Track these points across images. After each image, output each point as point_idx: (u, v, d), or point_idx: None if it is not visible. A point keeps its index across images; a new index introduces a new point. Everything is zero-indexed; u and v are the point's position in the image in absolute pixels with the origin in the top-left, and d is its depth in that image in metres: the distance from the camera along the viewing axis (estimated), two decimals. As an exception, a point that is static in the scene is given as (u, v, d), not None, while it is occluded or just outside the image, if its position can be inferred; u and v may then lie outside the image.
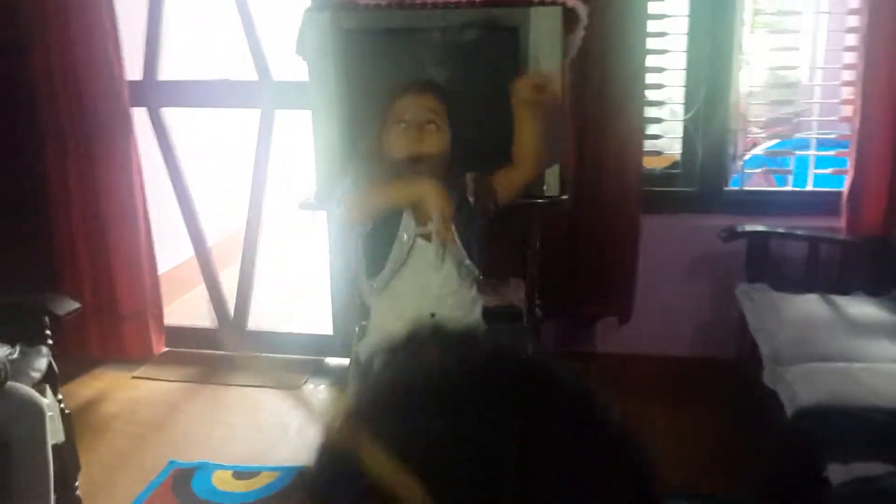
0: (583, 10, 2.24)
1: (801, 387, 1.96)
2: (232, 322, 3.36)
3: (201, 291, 3.54)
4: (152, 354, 3.25)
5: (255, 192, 3.24)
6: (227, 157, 3.95)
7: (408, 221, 1.86)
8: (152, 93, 3.15)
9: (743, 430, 2.44)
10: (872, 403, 1.85)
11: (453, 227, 1.82)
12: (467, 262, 1.88)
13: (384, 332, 1.89)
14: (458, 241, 1.85)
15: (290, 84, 2.99)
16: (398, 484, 0.54)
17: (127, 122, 3.01)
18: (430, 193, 1.75)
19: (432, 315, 1.83)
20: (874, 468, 1.70)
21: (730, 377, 2.65)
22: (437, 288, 1.87)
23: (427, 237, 1.84)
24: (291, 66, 2.77)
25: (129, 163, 3.04)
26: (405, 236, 1.86)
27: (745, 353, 2.49)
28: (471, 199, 1.92)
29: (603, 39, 2.58)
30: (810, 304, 2.47)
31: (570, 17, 2.24)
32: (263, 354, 3.28)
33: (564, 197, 2.34)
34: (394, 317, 1.89)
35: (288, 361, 3.24)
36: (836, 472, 1.72)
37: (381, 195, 1.87)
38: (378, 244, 1.91)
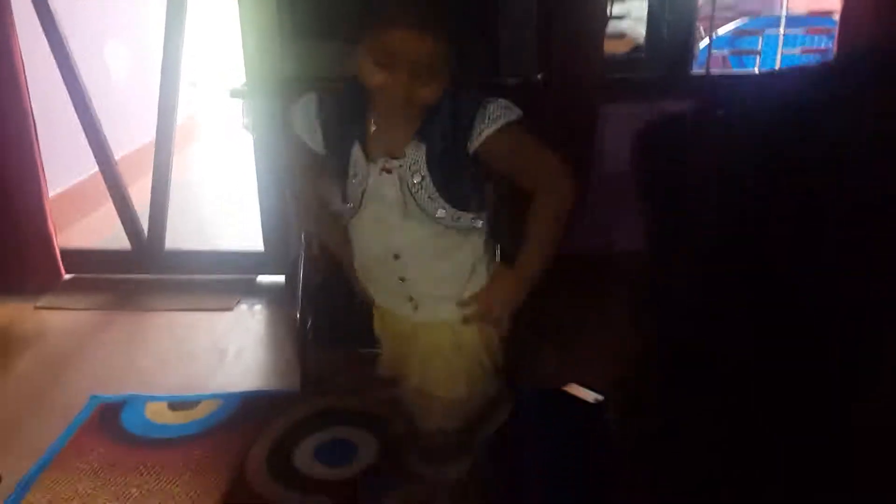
0: None
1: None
2: (146, 242, 2.97)
3: (105, 213, 3.13)
4: (56, 281, 2.84)
5: (166, 88, 2.81)
6: (135, 50, 3.46)
7: (357, 159, 1.35)
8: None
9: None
10: None
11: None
12: (441, 211, 1.35)
13: (358, 264, 1.50)
14: (429, 186, 1.33)
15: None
16: None
17: (4, 8, 2.53)
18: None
19: (395, 257, 1.39)
20: None
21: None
22: (399, 228, 1.37)
23: (387, 170, 1.33)
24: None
25: (8, 62, 2.57)
26: (357, 177, 1.36)
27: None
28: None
29: None
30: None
31: None
32: (185, 277, 2.93)
33: (539, 76, 2.08)
34: (359, 251, 1.47)
35: (214, 282, 2.91)
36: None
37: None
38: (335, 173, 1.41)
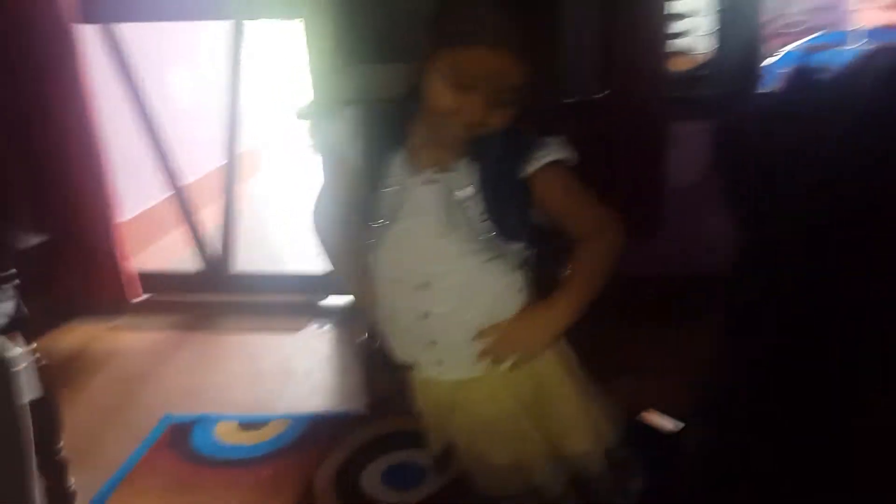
0: None
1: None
2: (217, 266, 3.03)
3: (175, 238, 3.22)
4: (129, 303, 2.92)
5: (231, 118, 2.89)
6: (204, 80, 3.57)
7: (398, 169, 1.26)
8: (103, 5, 2.76)
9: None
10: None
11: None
12: (485, 233, 1.23)
13: (380, 306, 1.34)
14: (479, 203, 1.23)
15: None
16: None
17: (70, 41, 2.63)
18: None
19: (424, 286, 1.26)
20: None
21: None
22: (435, 248, 1.25)
23: (433, 181, 1.24)
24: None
25: (77, 90, 2.66)
26: (394, 187, 1.25)
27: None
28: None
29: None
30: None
31: None
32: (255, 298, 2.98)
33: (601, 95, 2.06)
34: (382, 282, 1.31)
35: (283, 304, 2.95)
36: None
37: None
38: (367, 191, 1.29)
